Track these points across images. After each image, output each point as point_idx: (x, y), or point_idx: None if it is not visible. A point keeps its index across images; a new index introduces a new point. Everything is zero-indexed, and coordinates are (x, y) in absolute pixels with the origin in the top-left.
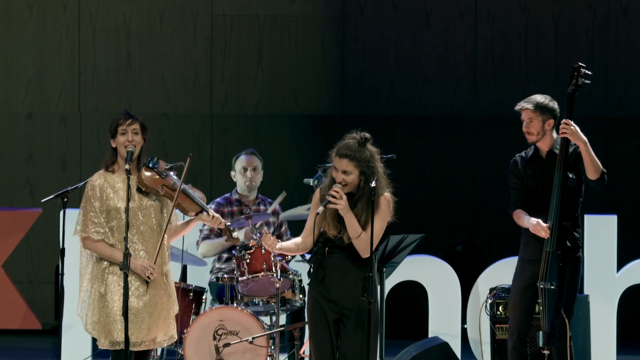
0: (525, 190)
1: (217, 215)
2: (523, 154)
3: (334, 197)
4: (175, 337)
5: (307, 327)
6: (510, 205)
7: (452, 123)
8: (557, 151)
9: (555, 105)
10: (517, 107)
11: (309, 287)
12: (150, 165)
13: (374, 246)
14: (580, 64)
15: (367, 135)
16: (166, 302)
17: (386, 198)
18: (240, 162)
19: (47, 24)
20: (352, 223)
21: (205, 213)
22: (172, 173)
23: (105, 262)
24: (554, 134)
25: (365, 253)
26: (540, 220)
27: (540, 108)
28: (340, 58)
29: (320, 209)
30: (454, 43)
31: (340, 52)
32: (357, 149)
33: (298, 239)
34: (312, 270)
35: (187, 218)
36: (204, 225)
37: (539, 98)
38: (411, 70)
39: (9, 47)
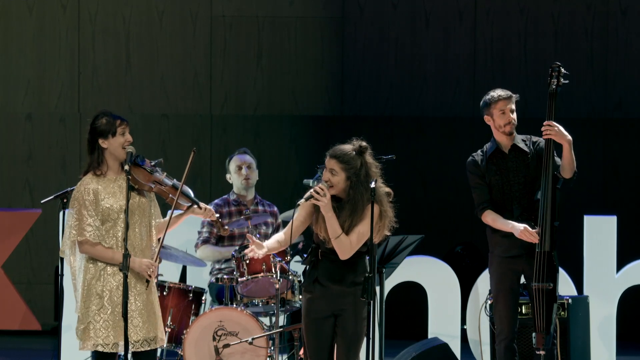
0: (489, 189)
1: (208, 207)
2: (480, 152)
3: (317, 192)
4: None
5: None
6: (476, 207)
7: (451, 124)
8: (520, 145)
9: None
10: (502, 96)
11: (303, 287)
12: (139, 163)
13: (352, 253)
14: (558, 63)
15: (365, 144)
16: (157, 299)
17: (375, 208)
18: (235, 161)
19: (46, 24)
20: (331, 222)
21: (196, 206)
22: (158, 169)
23: (100, 263)
24: None
25: (343, 255)
26: (527, 226)
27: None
28: (339, 59)
29: (301, 201)
30: (453, 44)
31: (339, 53)
32: (349, 154)
33: (281, 236)
34: (306, 271)
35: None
36: (202, 227)
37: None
38: (410, 71)
39: (8, 47)
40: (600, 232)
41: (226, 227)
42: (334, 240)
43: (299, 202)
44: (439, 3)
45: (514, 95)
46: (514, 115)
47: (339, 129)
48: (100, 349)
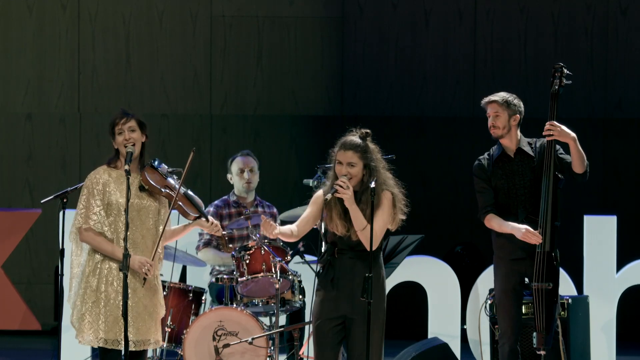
0: (494, 193)
1: (216, 222)
2: (486, 155)
3: (340, 186)
4: (161, 341)
5: (307, 327)
6: (480, 210)
7: (451, 124)
8: (526, 149)
9: (520, 102)
10: (484, 102)
11: (317, 286)
12: (154, 165)
13: (377, 243)
14: (561, 64)
15: (368, 130)
16: (158, 304)
17: (386, 195)
18: (237, 163)
19: (46, 24)
20: (356, 215)
21: (203, 219)
22: (174, 176)
23: (98, 256)
24: (519, 132)
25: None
26: (528, 227)
27: (506, 102)
28: (339, 59)
29: (329, 196)
30: (453, 44)
31: (339, 53)
32: (361, 143)
33: (294, 228)
34: (321, 270)
35: (181, 222)
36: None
37: (505, 93)
38: (410, 71)
39: (8, 47)
40: (600, 232)
41: (230, 245)
42: (361, 232)
43: (326, 197)
44: (439, 3)
45: (493, 99)
46: (497, 120)
47: (339, 129)
48: (89, 343)
